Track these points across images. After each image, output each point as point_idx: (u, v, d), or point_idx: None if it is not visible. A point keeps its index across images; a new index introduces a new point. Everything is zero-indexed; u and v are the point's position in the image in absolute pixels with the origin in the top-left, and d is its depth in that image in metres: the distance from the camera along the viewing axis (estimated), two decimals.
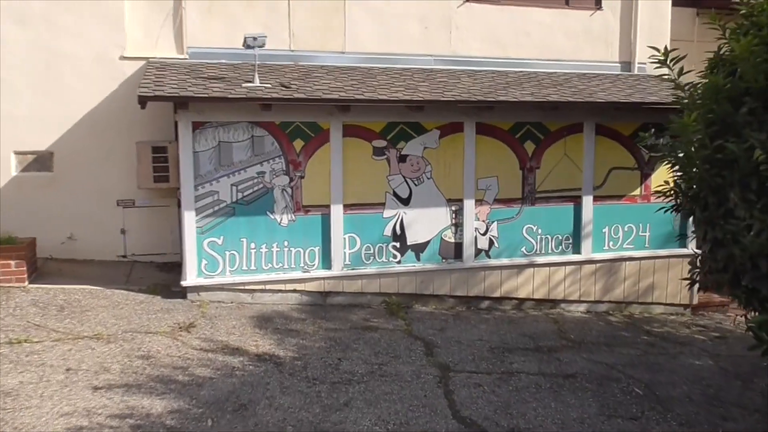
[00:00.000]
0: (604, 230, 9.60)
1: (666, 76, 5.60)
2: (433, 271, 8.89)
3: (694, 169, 5.16)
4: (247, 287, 8.29)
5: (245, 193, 8.19)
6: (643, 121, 9.47)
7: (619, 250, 9.69)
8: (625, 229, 9.71)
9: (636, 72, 11.26)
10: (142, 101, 7.47)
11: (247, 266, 8.26)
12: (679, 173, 5.57)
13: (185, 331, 6.99)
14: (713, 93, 5.02)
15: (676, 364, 7.41)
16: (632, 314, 9.71)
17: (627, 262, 9.72)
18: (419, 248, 8.87)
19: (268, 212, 8.26)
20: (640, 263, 9.79)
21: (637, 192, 9.72)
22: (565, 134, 9.36)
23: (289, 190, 8.31)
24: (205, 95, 7.51)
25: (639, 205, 9.74)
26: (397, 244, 8.77)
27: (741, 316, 10.30)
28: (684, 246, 9.87)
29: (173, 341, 6.67)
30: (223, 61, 9.38)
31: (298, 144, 8.30)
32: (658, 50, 5.43)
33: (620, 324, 9.09)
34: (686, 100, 5.39)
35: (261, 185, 8.22)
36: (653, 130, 6.36)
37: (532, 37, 10.87)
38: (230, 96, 7.58)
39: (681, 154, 5.39)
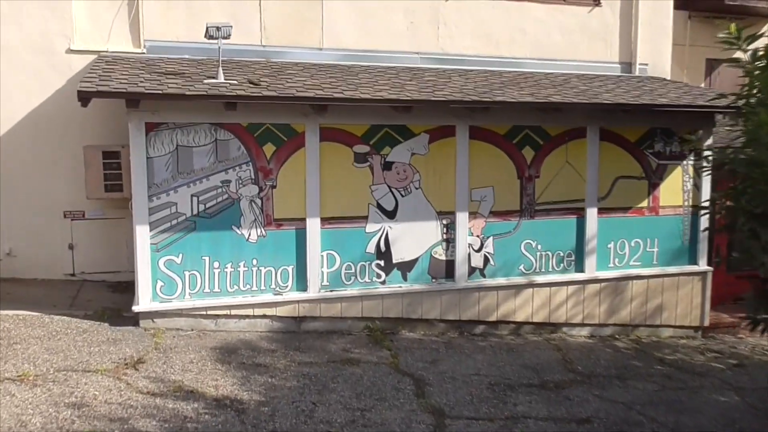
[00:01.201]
0: (609, 246, 8.67)
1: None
2: (421, 293, 7.90)
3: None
4: (209, 312, 7.25)
5: (208, 205, 7.15)
6: (651, 125, 8.65)
7: (626, 268, 8.76)
8: (632, 244, 8.79)
9: (637, 73, 10.44)
10: (84, 98, 6.38)
11: (210, 288, 7.22)
12: (740, 185, 4.58)
13: (132, 369, 5.91)
14: None
15: (700, 402, 6.49)
16: (640, 338, 8.79)
17: (634, 281, 8.79)
18: (406, 267, 7.87)
19: (234, 227, 7.24)
20: (648, 282, 8.86)
21: (644, 203, 8.81)
22: (567, 139, 8.43)
23: (258, 201, 7.29)
24: (159, 92, 6.47)
25: (647, 218, 8.83)
26: (382, 263, 7.77)
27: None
28: (695, 263, 9.02)
29: (115, 382, 5.59)
30: (186, 56, 8.40)
31: (269, 149, 7.29)
32: (728, 27, 4.42)
33: (629, 351, 8.16)
34: (758, 93, 4.36)
35: (226, 196, 7.19)
36: (700, 132, 5.35)
37: (527, 35, 10.02)
38: (188, 93, 6.55)
39: (745, 162, 4.39)
